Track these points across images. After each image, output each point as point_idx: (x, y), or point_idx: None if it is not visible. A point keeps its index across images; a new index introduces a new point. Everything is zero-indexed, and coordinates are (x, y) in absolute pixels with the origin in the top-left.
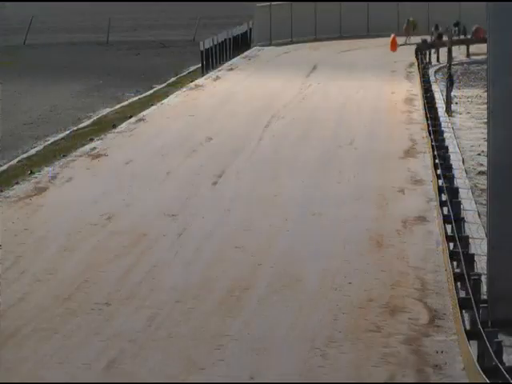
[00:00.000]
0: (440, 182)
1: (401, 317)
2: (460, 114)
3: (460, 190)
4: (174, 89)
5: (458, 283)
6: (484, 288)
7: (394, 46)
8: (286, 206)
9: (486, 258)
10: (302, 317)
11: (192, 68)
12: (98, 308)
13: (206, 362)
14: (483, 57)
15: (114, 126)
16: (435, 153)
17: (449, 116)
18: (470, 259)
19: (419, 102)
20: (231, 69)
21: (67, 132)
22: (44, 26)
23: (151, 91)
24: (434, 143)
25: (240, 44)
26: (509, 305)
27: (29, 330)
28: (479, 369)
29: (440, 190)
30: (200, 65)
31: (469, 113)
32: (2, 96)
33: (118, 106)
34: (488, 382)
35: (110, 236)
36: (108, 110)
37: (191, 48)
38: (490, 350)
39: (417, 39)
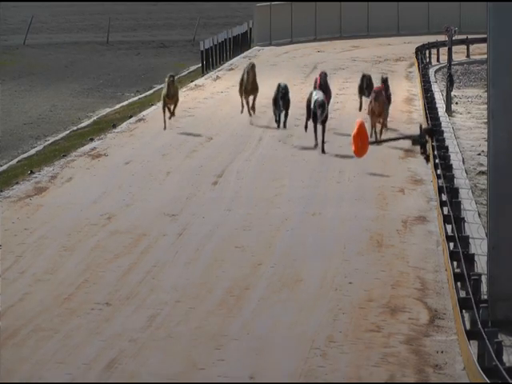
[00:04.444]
0: (440, 181)
1: (401, 317)
2: (460, 113)
3: (460, 189)
4: None
5: (458, 283)
6: (484, 288)
7: (361, 144)
8: (286, 205)
9: (486, 257)
10: (302, 317)
11: (192, 68)
12: (98, 308)
13: (206, 362)
14: (483, 57)
15: (114, 126)
16: (435, 153)
17: (449, 116)
18: (470, 259)
19: (419, 102)
20: (231, 69)
21: (67, 132)
22: (44, 26)
23: (151, 91)
24: (434, 143)
25: (240, 44)
26: (509, 305)
27: (29, 330)
28: (479, 369)
29: (440, 189)
30: (200, 65)
31: (469, 113)
32: (2, 96)
33: (118, 106)
34: (488, 381)
35: (110, 236)
36: (108, 109)
37: (191, 48)
38: (490, 350)
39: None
